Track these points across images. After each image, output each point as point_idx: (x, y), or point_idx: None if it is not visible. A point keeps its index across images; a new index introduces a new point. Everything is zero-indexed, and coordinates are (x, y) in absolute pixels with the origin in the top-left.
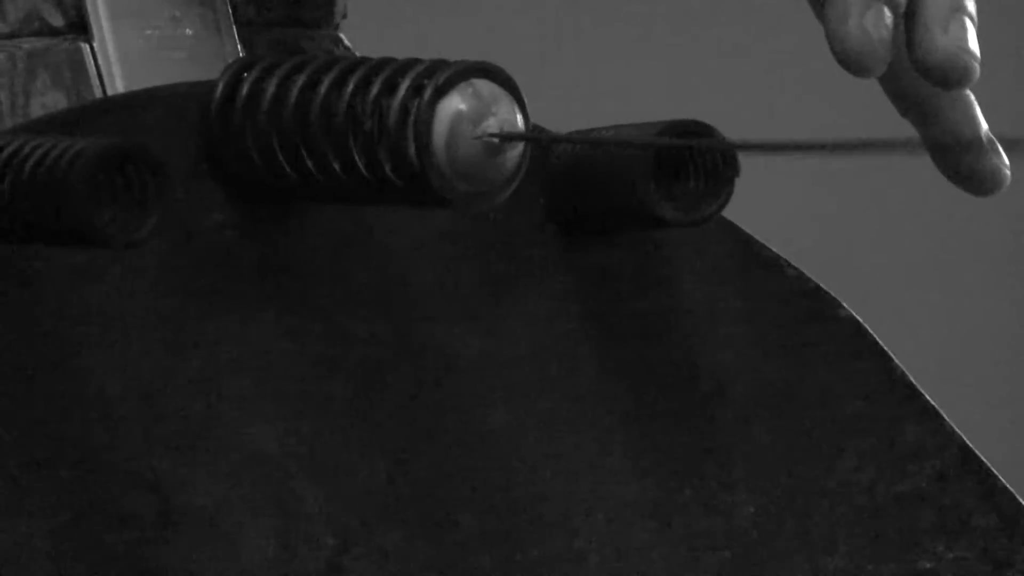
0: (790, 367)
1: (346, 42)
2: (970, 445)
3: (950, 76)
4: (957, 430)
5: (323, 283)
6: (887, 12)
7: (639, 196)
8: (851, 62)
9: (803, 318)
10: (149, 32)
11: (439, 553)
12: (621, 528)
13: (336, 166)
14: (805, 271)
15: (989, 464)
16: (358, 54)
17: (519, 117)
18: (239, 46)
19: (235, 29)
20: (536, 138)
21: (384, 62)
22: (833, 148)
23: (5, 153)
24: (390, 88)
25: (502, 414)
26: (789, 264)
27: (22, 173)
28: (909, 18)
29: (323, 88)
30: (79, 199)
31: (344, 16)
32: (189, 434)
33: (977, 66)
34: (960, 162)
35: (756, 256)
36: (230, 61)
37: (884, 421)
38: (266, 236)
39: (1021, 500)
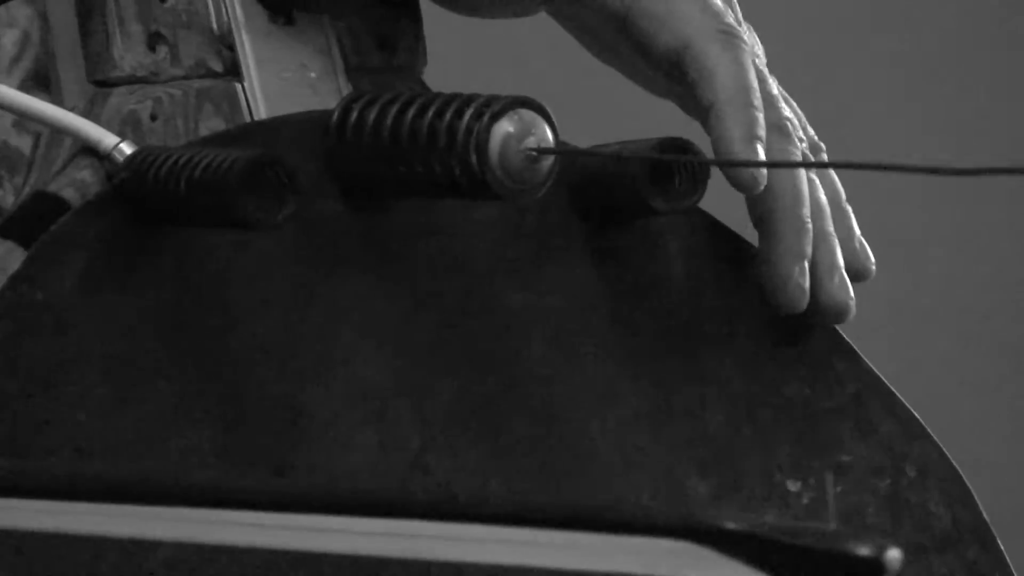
0: (750, 320)
1: (425, 82)
2: (878, 373)
3: (837, 315)
4: (869, 363)
5: (409, 256)
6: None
7: (639, 192)
8: (791, 309)
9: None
10: (285, 75)
11: (494, 451)
12: (626, 432)
13: (419, 171)
14: None
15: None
16: (434, 90)
17: (551, 136)
18: (348, 85)
19: (346, 73)
20: (564, 151)
21: (454, 96)
22: (771, 165)
23: (182, 161)
24: (458, 114)
25: (539, 347)
26: (752, 246)
27: (194, 175)
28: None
29: (410, 115)
30: (235, 194)
31: (424, 64)
32: (314, 365)
33: (851, 305)
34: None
35: (726, 239)
36: (343, 96)
37: (818, 356)
38: (369, 221)
39: (915, 413)
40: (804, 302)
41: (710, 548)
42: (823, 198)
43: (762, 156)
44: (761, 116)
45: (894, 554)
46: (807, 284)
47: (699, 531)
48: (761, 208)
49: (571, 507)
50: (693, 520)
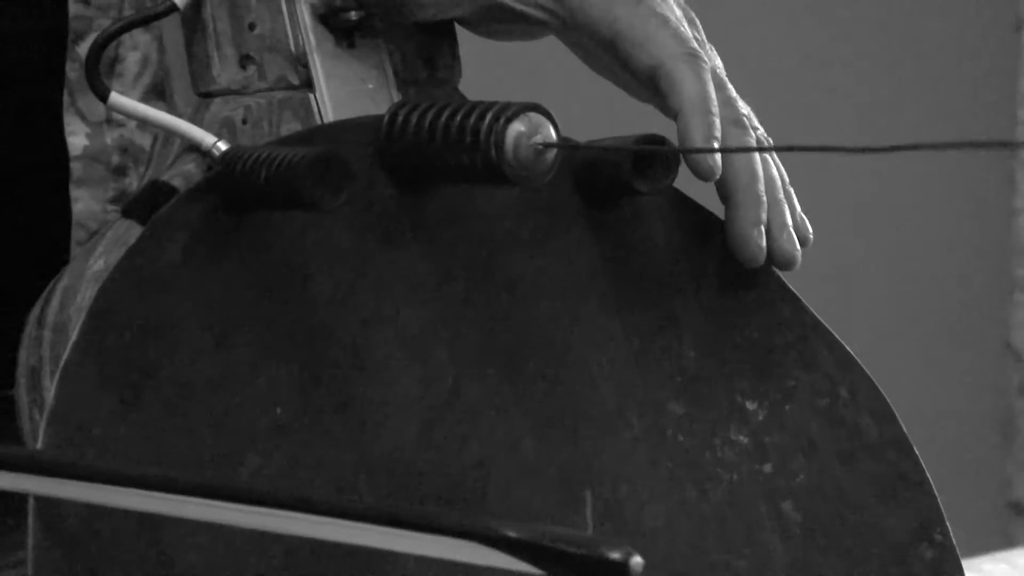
0: (715, 277)
1: (461, 92)
2: (818, 317)
3: (787, 264)
4: (811, 308)
5: (443, 231)
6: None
7: (624, 177)
8: (752, 264)
9: (726, 256)
10: (347, 88)
11: (513, 383)
12: (618, 367)
13: (451, 163)
14: None
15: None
16: (467, 98)
17: (554, 134)
18: (398, 94)
19: (396, 85)
20: (564, 146)
21: (478, 103)
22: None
23: (263, 157)
24: (481, 118)
25: (547, 303)
26: (717, 217)
27: (272, 168)
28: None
29: (444, 118)
30: (304, 183)
31: (459, 76)
32: (369, 318)
33: (798, 255)
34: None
35: (695, 212)
36: (393, 103)
37: (769, 304)
38: (412, 203)
39: (849, 349)
40: (762, 257)
41: (498, 549)
42: (775, 173)
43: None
44: (717, 120)
45: (637, 560)
46: (764, 243)
47: (491, 536)
48: (724, 188)
49: (402, 511)
50: (488, 527)
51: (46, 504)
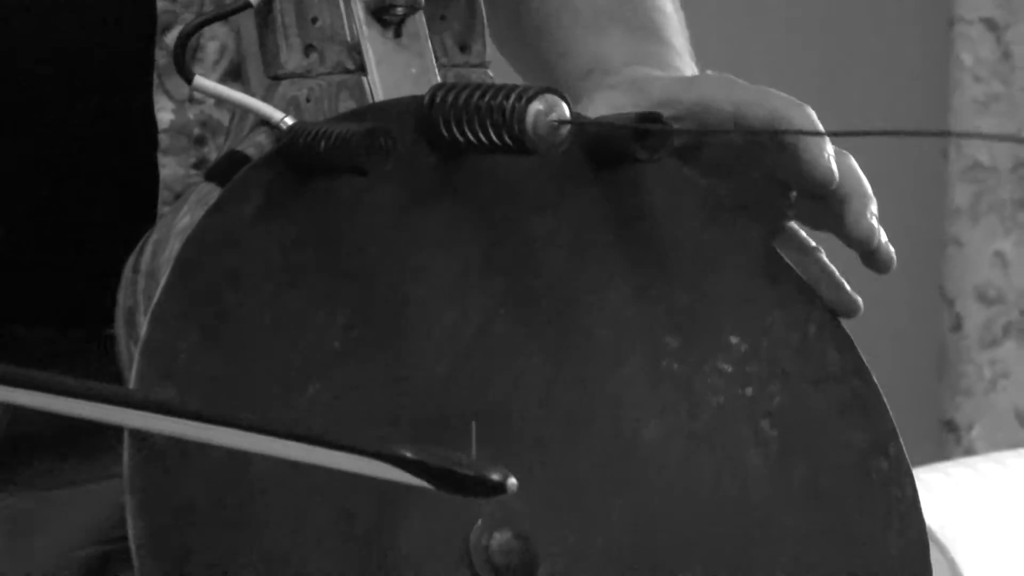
0: (700, 232)
1: (490, 74)
2: (791, 265)
3: (878, 256)
4: (785, 258)
5: (474, 193)
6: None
7: (627, 147)
8: (870, 243)
9: (715, 214)
10: (395, 73)
11: (531, 321)
12: (620, 308)
13: (481, 136)
14: None
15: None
16: (495, 81)
17: (567, 111)
18: (438, 77)
19: (436, 69)
20: (576, 121)
21: (504, 86)
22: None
23: (322, 131)
24: (506, 97)
25: (562, 255)
26: (700, 179)
27: (330, 140)
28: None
29: (475, 98)
30: (357, 152)
31: (490, 62)
32: (411, 267)
33: (892, 252)
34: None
35: (684, 180)
36: (432, 86)
37: (747, 254)
38: (448, 170)
39: (815, 292)
40: (877, 236)
41: (398, 467)
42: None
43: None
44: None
45: (512, 481)
46: (876, 222)
47: (393, 456)
48: (839, 190)
49: (333, 437)
50: (395, 451)
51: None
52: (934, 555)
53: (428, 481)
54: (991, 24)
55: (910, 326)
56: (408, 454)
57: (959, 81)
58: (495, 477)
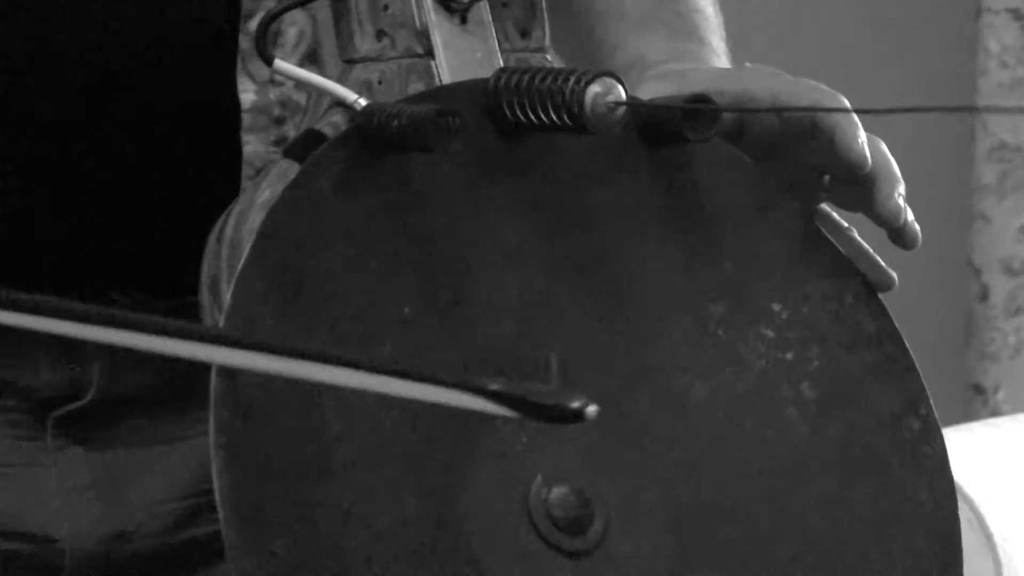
0: (745, 205)
1: (549, 58)
2: (830, 238)
3: (905, 233)
4: (822, 229)
5: (536, 169)
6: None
7: (677, 127)
8: (896, 220)
9: (758, 190)
10: (460, 57)
11: (589, 289)
12: (671, 276)
13: (542, 116)
14: None
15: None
16: (555, 64)
17: (623, 93)
18: (501, 61)
19: (499, 53)
20: (631, 103)
21: (563, 69)
22: (770, 110)
23: (395, 111)
24: (566, 81)
25: (616, 226)
26: (746, 158)
27: (401, 120)
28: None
29: (536, 81)
30: (427, 131)
31: (549, 47)
32: (475, 236)
33: (918, 229)
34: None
35: (732, 157)
36: (496, 69)
37: (789, 227)
38: (511, 148)
39: (853, 265)
40: (903, 216)
41: (484, 398)
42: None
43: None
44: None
45: (592, 408)
46: (903, 203)
47: (479, 388)
48: (871, 172)
49: (425, 372)
50: (476, 382)
51: (225, 375)
52: (961, 509)
53: (512, 409)
54: (1016, 14)
55: (940, 296)
56: (493, 386)
57: (986, 67)
58: (575, 405)
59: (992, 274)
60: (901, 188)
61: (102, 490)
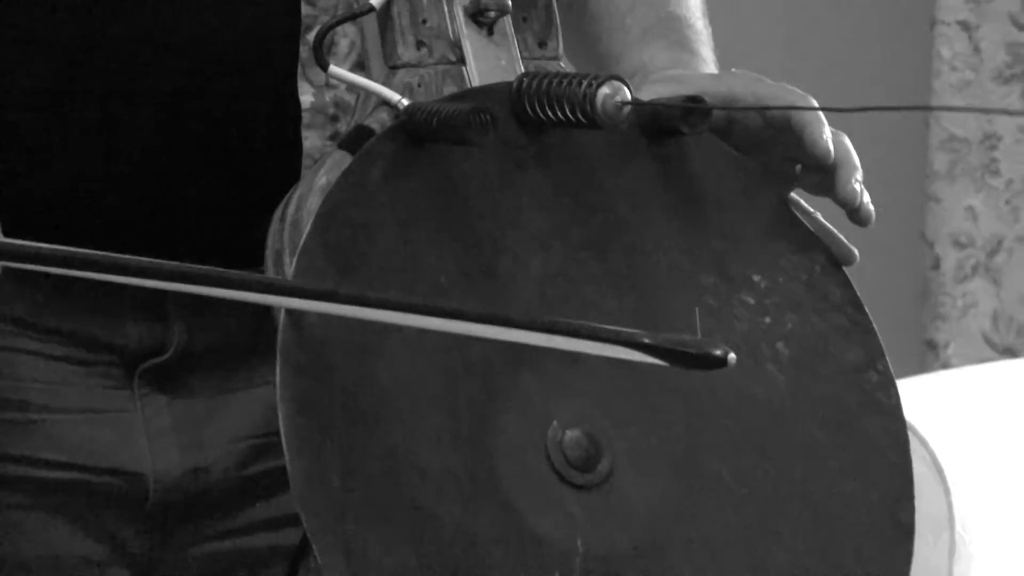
0: (733, 191)
1: (562, 65)
2: (801, 218)
3: (860, 212)
4: (795, 211)
5: (556, 159)
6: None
7: (674, 123)
8: (854, 203)
9: (741, 177)
10: (488, 64)
11: (603, 262)
12: (671, 252)
13: (560, 114)
14: None
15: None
16: (569, 70)
17: (629, 94)
18: (522, 67)
19: (521, 61)
20: (636, 103)
21: (577, 74)
22: (760, 109)
23: (433, 109)
24: (579, 83)
25: (625, 207)
26: (731, 150)
27: (440, 117)
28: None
29: (554, 84)
30: (462, 126)
31: (563, 55)
32: (506, 217)
33: (872, 210)
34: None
35: (721, 150)
36: (519, 74)
37: (768, 207)
38: (534, 141)
39: (822, 243)
40: (860, 198)
41: (637, 350)
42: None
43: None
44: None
45: (732, 355)
46: (860, 187)
47: (634, 341)
48: (832, 161)
49: (583, 327)
50: (632, 336)
51: (290, 326)
52: (914, 446)
53: (663, 360)
54: (964, 25)
55: (899, 265)
56: (646, 339)
57: (939, 70)
58: (718, 353)
59: (943, 247)
60: (859, 175)
61: (181, 432)
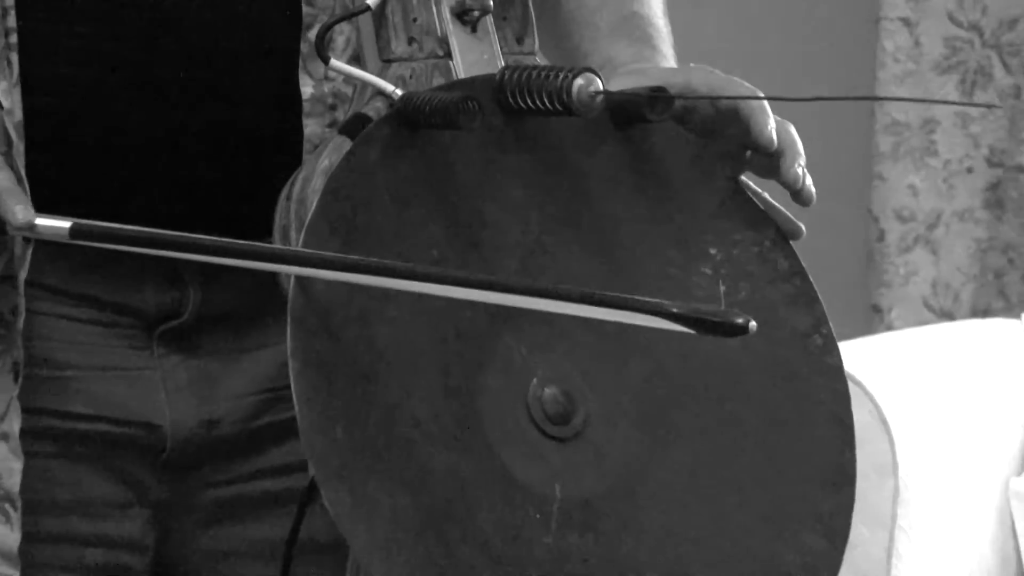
0: (690, 171)
1: (539, 59)
2: (754, 198)
3: (802, 194)
4: (747, 191)
5: (535, 142)
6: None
7: (641, 111)
8: (797, 184)
9: (699, 160)
10: (472, 58)
11: (576, 232)
12: (639, 225)
13: (538, 103)
14: None
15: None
16: (544, 62)
17: (601, 85)
18: (503, 61)
19: (502, 56)
20: (607, 92)
21: (554, 66)
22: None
23: (425, 98)
24: (556, 75)
25: (597, 184)
26: (693, 136)
27: (432, 104)
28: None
29: (533, 75)
30: (453, 112)
31: (539, 51)
32: (489, 195)
33: (813, 191)
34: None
35: (679, 135)
36: (500, 67)
37: (724, 186)
38: (515, 126)
39: (773, 221)
40: (801, 180)
41: (666, 319)
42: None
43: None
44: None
45: (753, 323)
46: (801, 171)
47: (664, 311)
48: (779, 147)
49: (608, 297)
50: (661, 305)
51: (300, 291)
52: (861, 400)
53: (690, 327)
54: (906, 22)
55: (847, 237)
56: (675, 308)
57: (883, 62)
58: (739, 321)
59: (887, 221)
60: (801, 160)
61: (196, 388)
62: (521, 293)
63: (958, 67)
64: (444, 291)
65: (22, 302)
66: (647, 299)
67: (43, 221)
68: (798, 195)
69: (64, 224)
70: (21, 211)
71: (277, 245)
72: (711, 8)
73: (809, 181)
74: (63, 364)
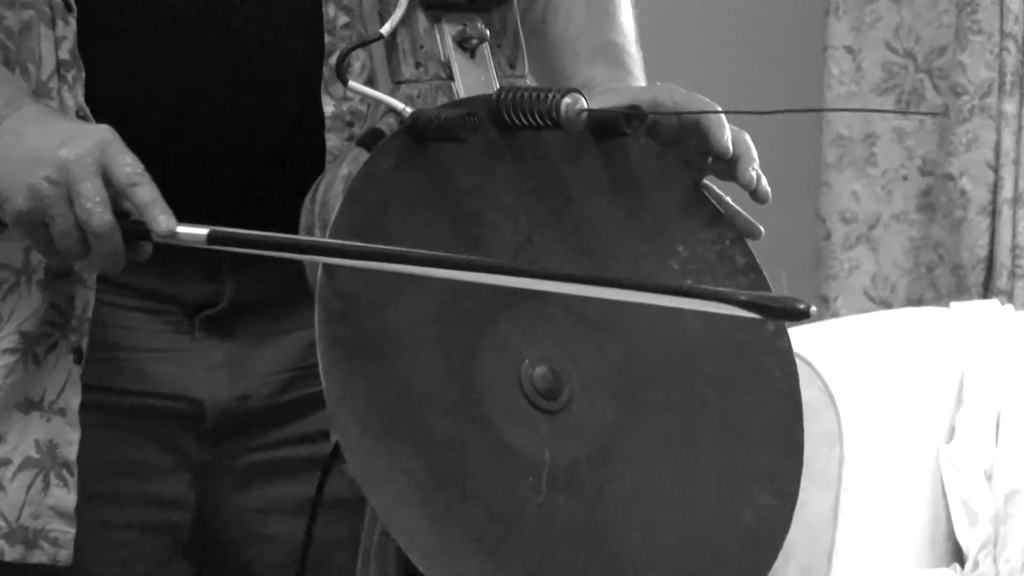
0: (658, 176)
1: (529, 81)
2: (714, 201)
3: (767, 195)
4: (709, 194)
5: (525, 153)
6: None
7: (619, 126)
8: (752, 185)
9: (666, 166)
10: (471, 80)
11: (560, 230)
12: (615, 224)
13: (529, 119)
14: None
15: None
16: (533, 84)
17: (585, 103)
18: (498, 83)
19: (496, 78)
20: (590, 109)
21: (543, 87)
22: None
23: (431, 115)
24: (546, 96)
25: (578, 189)
26: (665, 148)
27: (438, 120)
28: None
29: (525, 95)
30: (457, 126)
31: (529, 75)
32: (485, 198)
33: (768, 190)
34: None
35: (650, 147)
36: (496, 88)
37: (690, 190)
38: (509, 139)
39: (733, 223)
40: (756, 182)
41: (734, 306)
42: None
43: (760, 176)
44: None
45: (813, 308)
46: (756, 174)
47: (733, 299)
48: (735, 153)
49: (681, 286)
50: (730, 294)
51: (326, 280)
52: (811, 377)
53: (758, 313)
54: (849, 49)
55: (798, 236)
56: (742, 296)
57: (830, 84)
58: (801, 307)
59: (833, 222)
60: (756, 165)
61: (231, 367)
62: (607, 285)
63: (895, 88)
64: (524, 283)
65: (92, 295)
66: (721, 289)
67: (183, 229)
68: (755, 194)
69: (202, 232)
70: (164, 220)
71: (383, 246)
72: (680, 38)
73: (764, 182)
74: (119, 347)
